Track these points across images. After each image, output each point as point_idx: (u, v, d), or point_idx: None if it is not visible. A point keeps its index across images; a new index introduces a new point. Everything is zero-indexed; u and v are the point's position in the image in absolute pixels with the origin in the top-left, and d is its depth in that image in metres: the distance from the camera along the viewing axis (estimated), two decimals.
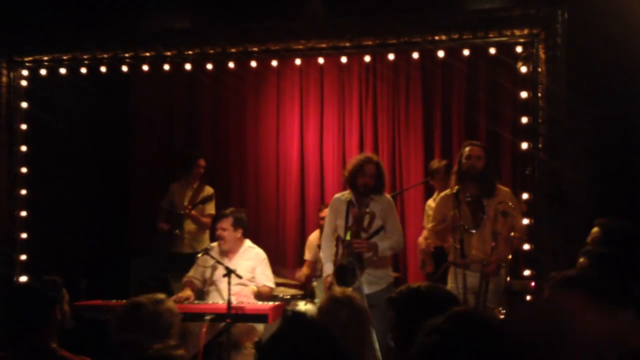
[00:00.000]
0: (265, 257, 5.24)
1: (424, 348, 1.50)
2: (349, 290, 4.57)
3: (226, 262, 4.98)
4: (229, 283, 4.53)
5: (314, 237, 6.34)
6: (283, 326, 1.55)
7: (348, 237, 4.48)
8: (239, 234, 5.17)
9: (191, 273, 5.18)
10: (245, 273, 5.03)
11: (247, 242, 5.26)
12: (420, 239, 5.90)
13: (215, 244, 5.28)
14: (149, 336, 2.45)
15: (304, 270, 6.30)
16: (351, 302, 2.81)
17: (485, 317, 1.60)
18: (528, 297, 4.70)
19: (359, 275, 4.41)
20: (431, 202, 5.84)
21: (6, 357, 2.77)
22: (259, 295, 5.04)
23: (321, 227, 6.09)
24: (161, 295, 2.72)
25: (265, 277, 5.17)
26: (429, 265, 5.77)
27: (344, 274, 4.40)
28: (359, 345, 2.69)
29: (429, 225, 5.31)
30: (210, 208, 6.51)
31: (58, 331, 2.84)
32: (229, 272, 4.57)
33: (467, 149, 4.87)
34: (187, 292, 5.00)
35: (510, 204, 4.66)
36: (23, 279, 5.31)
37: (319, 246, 5.91)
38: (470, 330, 1.54)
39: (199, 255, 5.03)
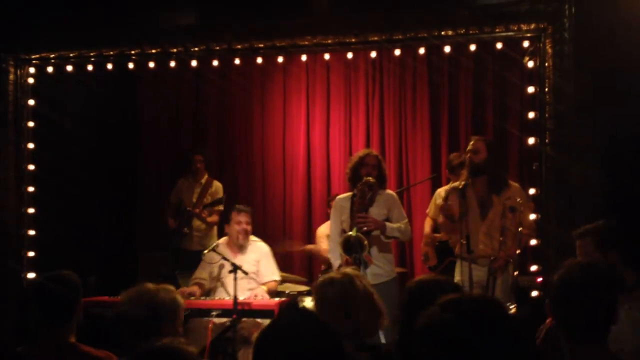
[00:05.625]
0: (269, 250, 5.28)
1: (440, 323, 1.46)
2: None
3: (235, 256, 5.03)
4: (235, 279, 4.54)
5: (323, 227, 6.31)
6: (279, 317, 1.57)
7: (354, 233, 4.48)
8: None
9: (197, 274, 5.20)
10: (250, 267, 5.07)
11: (252, 237, 5.29)
12: (427, 229, 5.85)
13: (222, 239, 5.30)
14: (145, 314, 2.55)
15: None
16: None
17: (499, 302, 1.59)
18: (535, 293, 4.68)
19: (367, 247, 4.42)
20: (441, 191, 5.80)
21: (26, 352, 2.78)
22: (270, 293, 5.07)
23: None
24: (171, 287, 2.75)
25: (270, 271, 5.19)
26: (432, 259, 5.75)
27: (350, 244, 4.40)
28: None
29: (439, 219, 5.30)
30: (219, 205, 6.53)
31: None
32: (235, 269, 4.58)
33: (470, 143, 4.90)
34: (193, 288, 5.03)
35: (519, 199, 4.64)
36: (31, 275, 5.34)
37: (327, 236, 5.91)
38: (487, 312, 1.51)
39: (205, 252, 5.04)
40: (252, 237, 5.29)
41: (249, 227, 5.16)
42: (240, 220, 5.15)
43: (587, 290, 2.13)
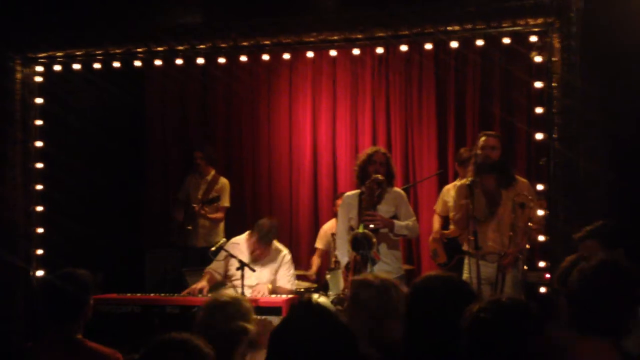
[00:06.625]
0: (290, 259, 5.27)
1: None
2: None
3: (256, 265, 5.05)
4: (242, 276, 4.54)
5: (328, 226, 6.35)
6: (291, 313, 1.55)
7: (360, 229, 4.47)
8: (268, 245, 5.18)
9: (213, 265, 5.21)
10: (269, 275, 5.08)
11: (274, 244, 5.27)
12: (436, 226, 5.84)
13: (239, 237, 5.30)
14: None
15: (315, 261, 6.35)
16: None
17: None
18: (543, 289, 4.67)
19: (375, 244, 4.42)
20: (450, 188, 5.79)
21: (33, 348, 2.80)
22: (274, 293, 5.07)
23: (337, 216, 6.10)
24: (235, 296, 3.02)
25: (286, 280, 5.20)
26: (441, 256, 5.74)
27: (358, 241, 4.40)
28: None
29: (450, 215, 5.29)
30: (225, 201, 6.55)
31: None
32: (242, 266, 4.58)
33: (482, 139, 4.83)
34: (202, 283, 5.03)
35: (527, 194, 4.62)
36: (40, 273, 5.36)
37: (332, 235, 5.91)
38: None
39: (212, 249, 5.04)
40: (276, 245, 5.26)
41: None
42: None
43: (609, 285, 2.15)
